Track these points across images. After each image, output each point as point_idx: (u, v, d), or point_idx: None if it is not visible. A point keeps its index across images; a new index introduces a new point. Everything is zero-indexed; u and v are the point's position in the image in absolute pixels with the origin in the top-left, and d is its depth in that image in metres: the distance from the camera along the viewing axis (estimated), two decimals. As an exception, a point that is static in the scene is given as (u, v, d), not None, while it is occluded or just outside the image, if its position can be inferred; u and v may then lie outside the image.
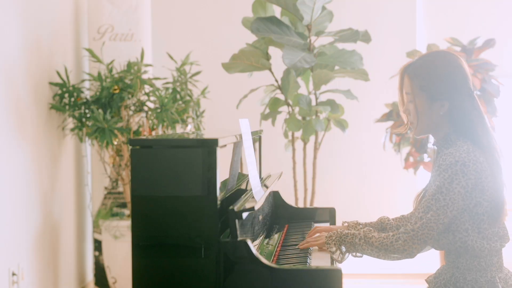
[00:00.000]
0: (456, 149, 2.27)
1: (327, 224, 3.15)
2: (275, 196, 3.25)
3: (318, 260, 2.47)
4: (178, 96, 4.60)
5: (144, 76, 4.70)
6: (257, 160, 3.20)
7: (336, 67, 4.48)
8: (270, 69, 4.44)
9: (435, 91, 2.31)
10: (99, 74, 4.40)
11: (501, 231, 2.30)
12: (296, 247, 2.61)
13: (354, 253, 2.44)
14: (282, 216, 3.23)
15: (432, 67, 2.33)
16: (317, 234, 2.63)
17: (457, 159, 2.24)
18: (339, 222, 3.28)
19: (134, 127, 4.45)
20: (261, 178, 3.11)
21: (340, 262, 2.43)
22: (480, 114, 2.33)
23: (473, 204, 2.26)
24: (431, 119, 2.34)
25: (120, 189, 4.86)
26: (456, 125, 2.33)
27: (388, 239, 2.29)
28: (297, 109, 4.48)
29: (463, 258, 2.30)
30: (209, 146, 2.25)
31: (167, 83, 4.66)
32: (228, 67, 4.41)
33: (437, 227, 2.24)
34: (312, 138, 5.25)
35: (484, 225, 2.28)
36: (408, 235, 2.26)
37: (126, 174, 4.57)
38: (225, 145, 2.45)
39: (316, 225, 3.10)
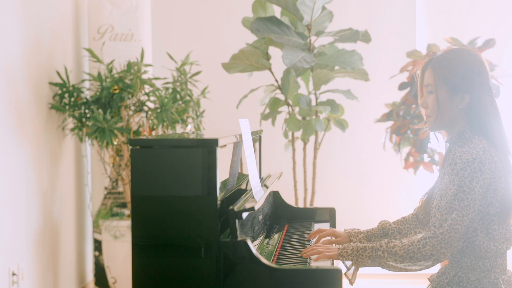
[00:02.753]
0: (472, 147, 2.26)
1: (327, 224, 3.15)
2: (275, 196, 3.25)
3: (311, 256, 2.46)
4: (178, 96, 4.60)
5: (144, 76, 4.70)
6: (257, 160, 3.20)
7: (336, 67, 4.48)
8: (270, 69, 4.44)
9: (457, 83, 2.31)
10: (99, 74, 4.40)
11: (508, 233, 2.29)
12: (300, 255, 2.52)
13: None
14: (282, 216, 3.23)
15: (456, 59, 2.33)
16: (322, 240, 2.56)
17: (474, 156, 2.22)
18: (339, 222, 3.28)
19: (134, 127, 4.45)
20: (261, 178, 3.11)
21: (352, 283, 2.35)
22: (497, 112, 2.34)
23: (486, 204, 2.25)
24: (450, 112, 2.33)
25: (120, 189, 4.85)
26: (473, 121, 2.32)
27: (414, 246, 2.22)
28: (297, 109, 4.48)
29: (468, 258, 2.29)
30: (209, 146, 2.25)
31: (167, 83, 4.67)
32: (228, 67, 4.41)
33: (461, 228, 2.20)
34: (312, 138, 5.25)
35: (493, 226, 2.26)
36: (437, 240, 2.20)
37: (126, 174, 4.57)
38: (225, 145, 2.45)
39: (316, 225, 3.10)
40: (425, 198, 2.43)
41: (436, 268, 2.56)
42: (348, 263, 2.37)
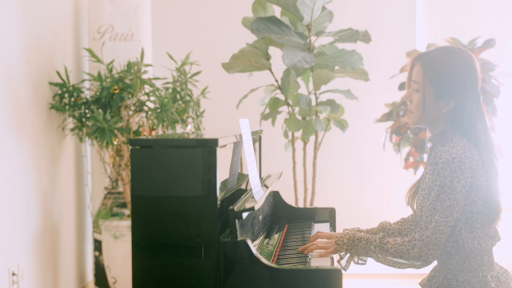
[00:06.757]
0: (452, 145, 2.26)
1: (327, 224, 3.15)
2: (275, 196, 3.25)
3: (318, 260, 2.47)
4: (178, 96, 4.60)
5: (144, 76, 4.70)
6: (257, 160, 3.20)
7: (336, 67, 4.48)
8: (270, 69, 4.44)
9: (444, 88, 2.29)
10: (99, 74, 4.40)
11: (492, 231, 2.30)
12: (298, 250, 2.54)
13: (357, 259, 2.41)
14: (282, 216, 3.23)
15: (447, 62, 2.31)
16: (323, 240, 2.57)
17: (454, 155, 2.22)
18: (339, 222, 3.28)
19: (134, 127, 4.45)
20: (261, 178, 3.10)
21: (346, 269, 2.39)
22: (483, 117, 2.32)
23: (469, 203, 2.25)
24: (433, 114, 2.33)
25: (120, 189, 4.85)
26: (456, 123, 2.32)
27: (404, 246, 2.26)
28: (297, 109, 4.48)
29: (454, 259, 2.29)
30: (209, 146, 2.25)
31: (167, 83, 4.67)
32: (228, 67, 4.41)
33: (446, 230, 2.22)
34: (312, 138, 5.25)
35: (476, 224, 2.27)
36: (423, 242, 2.23)
37: (126, 174, 4.57)
38: (225, 145, 2.45)
39: (316, 225, 3.10)
40: (409, 196, 2.44)
41: (426, 271, 2.55)
42: (343, 253, 2.40)
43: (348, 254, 2.39)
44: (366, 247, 2.33)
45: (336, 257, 2.54)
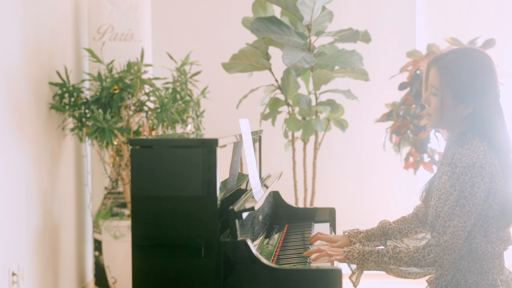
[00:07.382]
0: (472, 149, 2.23)
1: (327, 224, 3.15)
2: (275, 196, 3.25)
3: (318, 260, 2.46)
4: (178, 96, 4.60)
5: (144, 76, 4.70)
6: (257, 160, 3.20)
7: (336, 67, 4.48)
8: (270, 69, 4.44)
9: (463, 93, 2.26)
10: (99, 74, 4.40)
11: (505, 235, 2.28)
12: (304, 254, 2.51)
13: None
14: (282, 216, 3.23)
15: (464, 66, 2.28)
16: (323, 246, 2.54)
17: (475, 160, 2.20)
18: (339, 222, 3.27)
19: (134, 127, 4.45)
20: (261, 178, 3.10)
21: (356, 285, 2.34)
22: (503, 119, 2.30)
23: (486, 208, 2.24)
24: (452, 117, 2.30)
25: (120, 189, 4.85)
26: (475, 126, 2.29)
27: (419, 253, 2.23)
28: (297, 109, 4.48)
29: (465, 260, 2.28)
30: (209, 146, 2.25)
31: (167, 83, 4.67)
32: (228, 67, 4.41)
33: (463, 234, 2.20)
34: (312, 138, 5.25)
35: (491, 228, 2.25)
36: (440, 248, 2.21)
37: (126, 174, 4.57)
38: (225, 145, 2.45)
39: (316, 225, 3.10)
40: (424, 195, 2.42)
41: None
42: (353, 266, 2.36)
43: (358, 270, 2.35)
44: (378, 260, 2.28)
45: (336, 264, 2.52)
